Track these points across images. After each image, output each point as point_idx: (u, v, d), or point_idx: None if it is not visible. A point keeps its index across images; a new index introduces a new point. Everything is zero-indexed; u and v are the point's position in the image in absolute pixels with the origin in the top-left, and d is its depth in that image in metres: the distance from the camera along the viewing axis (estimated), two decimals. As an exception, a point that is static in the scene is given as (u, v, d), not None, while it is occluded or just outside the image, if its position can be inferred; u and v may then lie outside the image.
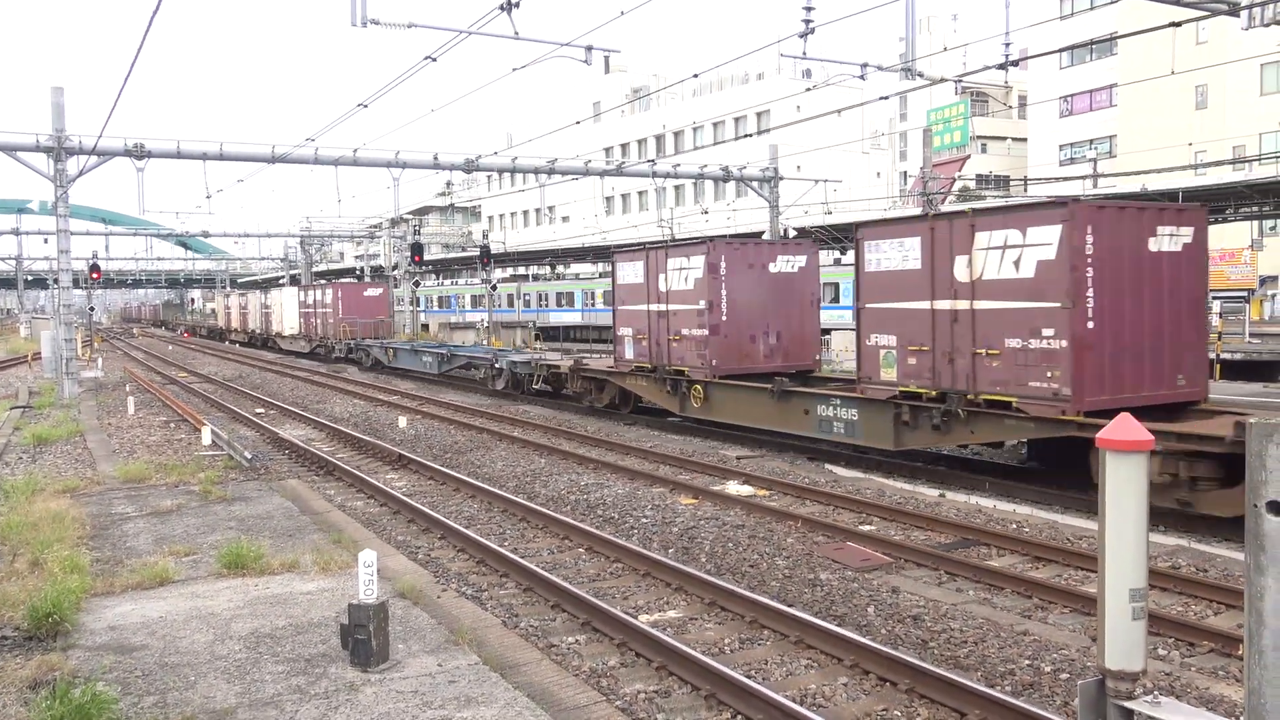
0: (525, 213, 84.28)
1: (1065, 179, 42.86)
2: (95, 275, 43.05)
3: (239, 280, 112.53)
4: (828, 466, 16.67)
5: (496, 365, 29.75)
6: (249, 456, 16.83)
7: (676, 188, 67.46)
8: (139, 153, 27.22)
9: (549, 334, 58.35)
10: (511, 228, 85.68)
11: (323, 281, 56.50)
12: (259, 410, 26.40)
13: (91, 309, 72.29)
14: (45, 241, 63.76)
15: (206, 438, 18.81)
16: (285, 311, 56.13)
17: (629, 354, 22.25)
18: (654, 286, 21.28)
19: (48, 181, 26.87)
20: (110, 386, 32.86)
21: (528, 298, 61.84)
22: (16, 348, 58.95)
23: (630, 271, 22.23)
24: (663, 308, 20.95)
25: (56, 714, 5.60)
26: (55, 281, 33.57)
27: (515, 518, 13.26)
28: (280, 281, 78.77)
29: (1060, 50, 46.30)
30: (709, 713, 6.96)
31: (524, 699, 6.36)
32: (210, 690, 6.53)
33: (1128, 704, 4.01)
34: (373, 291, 49.62)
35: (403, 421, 22.97)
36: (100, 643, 7.46)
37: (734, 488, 14.65)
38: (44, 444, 18.90)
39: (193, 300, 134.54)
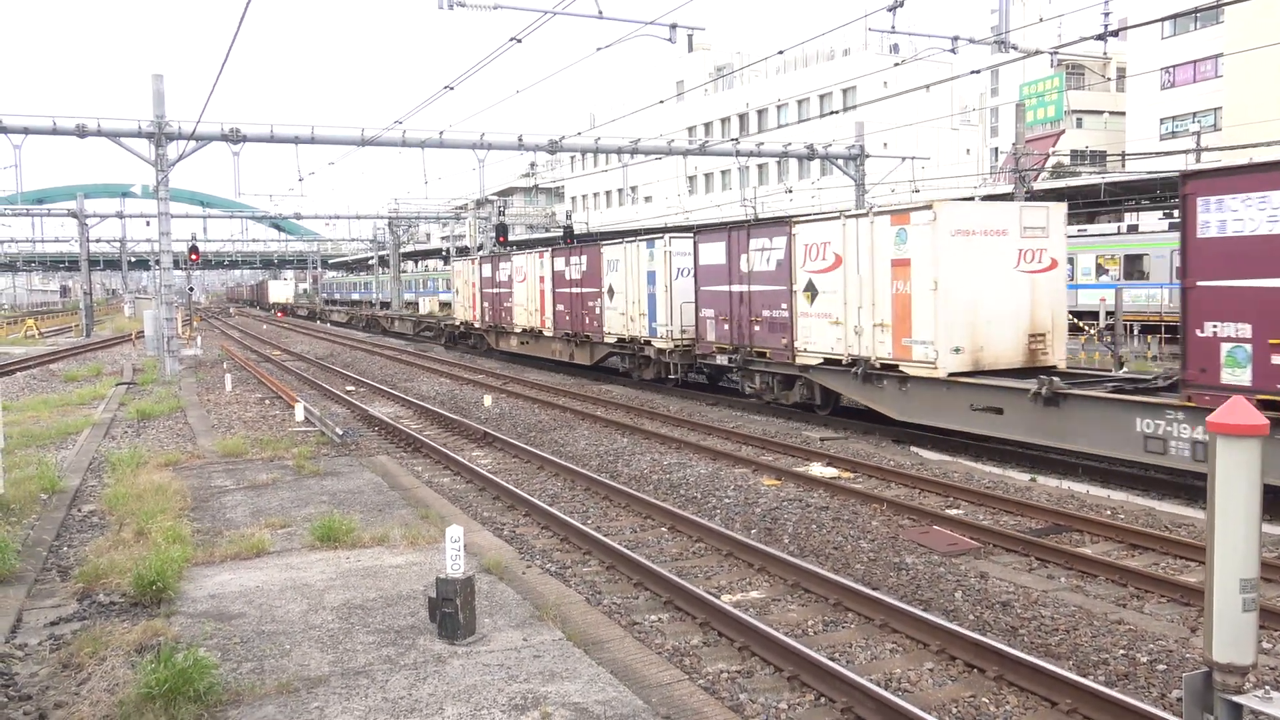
0: (608, 193, 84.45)
1: (1166, 154, 41.23)
2: (194, 257, 44.35)
3: (330, 260, 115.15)
4: (913, 449, 16.40)
5: None
6: (340, 433, 17.26)
7: (760, 166, 66.84)
8: (235, 137, 28.04)
9: None
10: (594, 208, 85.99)
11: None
12: (349, 388, 27.04)
13: (191, 289, 74.84)
14: (147, 224, 66.35)
15: (299, 414, 19.35)
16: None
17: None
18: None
19: (149, 166, 27.87)
20: (209, 364, 34.03)
21: None
22: (121, 327, 61.52)
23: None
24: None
25: (161, 677, 5.82)
26: (157, 263, 34.83)
27: (598, 496, 13.35)
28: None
29: (1162, 19, 44.40)
30: (792, 694, 6.92)
31: (607, 675, 6.41)
32: (304, 658, 6.72)
33: (1237, 698, 3.86)
34: None
35: (488, 400, 23.30)
36: (201, 610, 7.74)
37: (817, 469, 14.51)
38: (147, 419, 19.65)
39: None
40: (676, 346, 23.47)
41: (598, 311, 27.17)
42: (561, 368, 31.08)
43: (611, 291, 26.27)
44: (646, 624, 8.35)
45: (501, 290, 35.41)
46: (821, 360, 18.11)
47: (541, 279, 31.27)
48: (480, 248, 55.79)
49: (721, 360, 21.34)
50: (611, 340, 26.48)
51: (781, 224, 19.20)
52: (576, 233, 50.37)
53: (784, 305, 18.91)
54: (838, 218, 17.61)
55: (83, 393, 24.39)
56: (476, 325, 38.66)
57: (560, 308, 29.82)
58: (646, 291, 24.34)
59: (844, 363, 17.43)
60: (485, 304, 37.28)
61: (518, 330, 33.82)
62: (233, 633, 7.20)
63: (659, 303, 23.76)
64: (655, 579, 9.22)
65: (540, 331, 31.66)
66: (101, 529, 10.68)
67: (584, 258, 28.16)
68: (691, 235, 22.87)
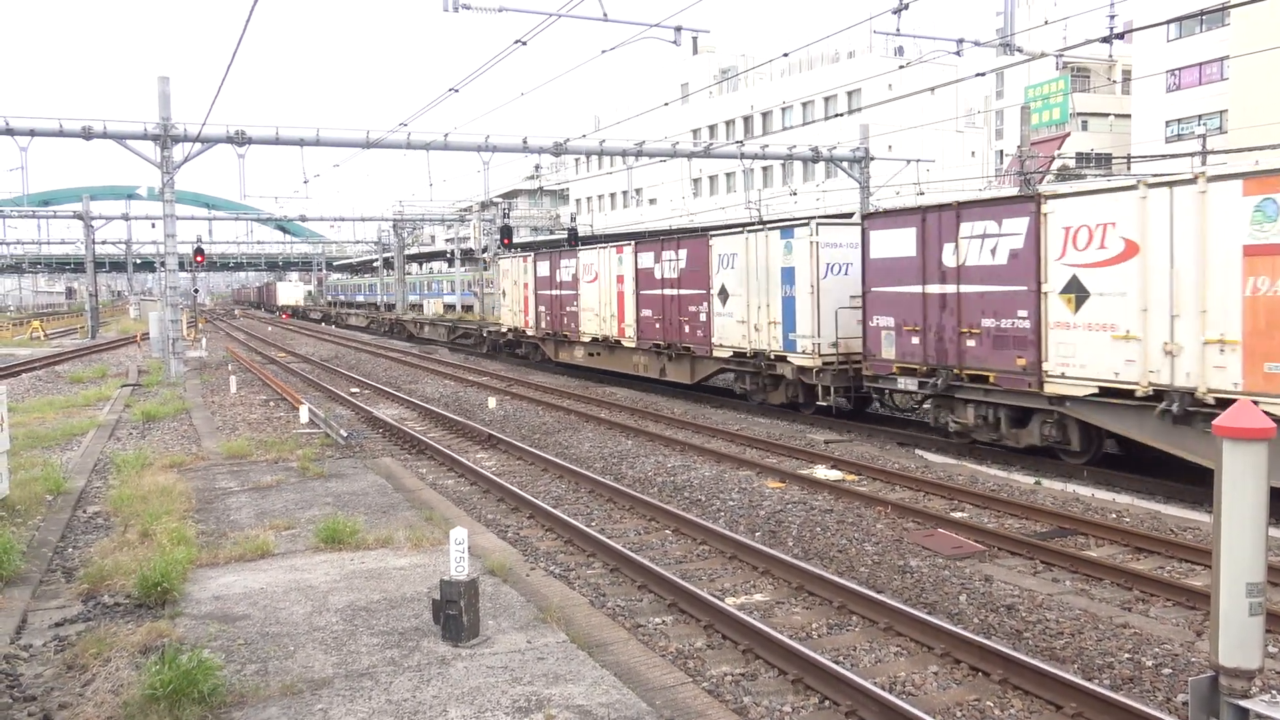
0: (613, 195, 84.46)
1: (1171, 156, 41.14)
2: (199, 259, 44.50)
3: (335, 262, 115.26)
4: (918, 452, 16.37)
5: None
6: (344, 435, 17.27)
7: (765, 169, 66.82)
8: (240, 139, 28.08)
9: None
10: (599, 210, 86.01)
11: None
12: (354, 390, 27.06)
13: (196, 291, 74.92)
14: (153, 226, 66.55)
15: (304, 416, 19.37)
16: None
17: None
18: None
19: (154, 168, 27.91)
20: (213, 366, 34.08)
21: None
22: (126, 328, 61.64)
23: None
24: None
25: (165, 679, 5.83)
26: (162, 264, 34.91)
27: (602, 498, 13.35)
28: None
29: (1168, 22, 44.37)
30: (795, 697, 6.91)
31: (611, 678, 6.40)
32: (309, 660, 6.72)
33: (1243, 703, 3.85)
34: None
35: (492, 402, 23.30)
36: (205, 612, 7.75)
37: (822, 472, 14.49)
38: (152, 420, 19.68)
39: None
40: (826, 365, 18.52)
41: (703, 318, 22.25)
42: (645, 385, 26.30)
43: (725, 294, 21.47)
44: (650, 626, 8.34)
45: (564, 292, 29.81)
46: (1095, 390, 13.23)
47: (620, 278, 26.13)
48: (485, 250, 55.82)
49: (906, 385, 16.51)
50: (724, 354, 21.59)
51: (1022, 201, 14.58)
52: (581, 235, 50.37)
53: (1023, 312, 14.17)
54: (1133, 187, 12.69)
55: (88, 394, 24.43)
56: (530, 333, 33.08)
57: (647, 313, 24.84)
58: (780, 294, 19.54)
59: (1138, 394, 12.62)
60: (541, 308, 31.73)
61: (585, 340, 28.50)
62: (237, 634, 7.21)
63: (800, 308, 18.96)
64: (659, 581, 9.21)
65: (617, 342, 26.46)
66: (106, 530, 10.69)
67: (683, 252, 23.21)
68: (855, 221, 18.54)
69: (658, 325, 24.42)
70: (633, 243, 26.17)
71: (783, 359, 19.82)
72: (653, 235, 26.61)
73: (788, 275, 19.46)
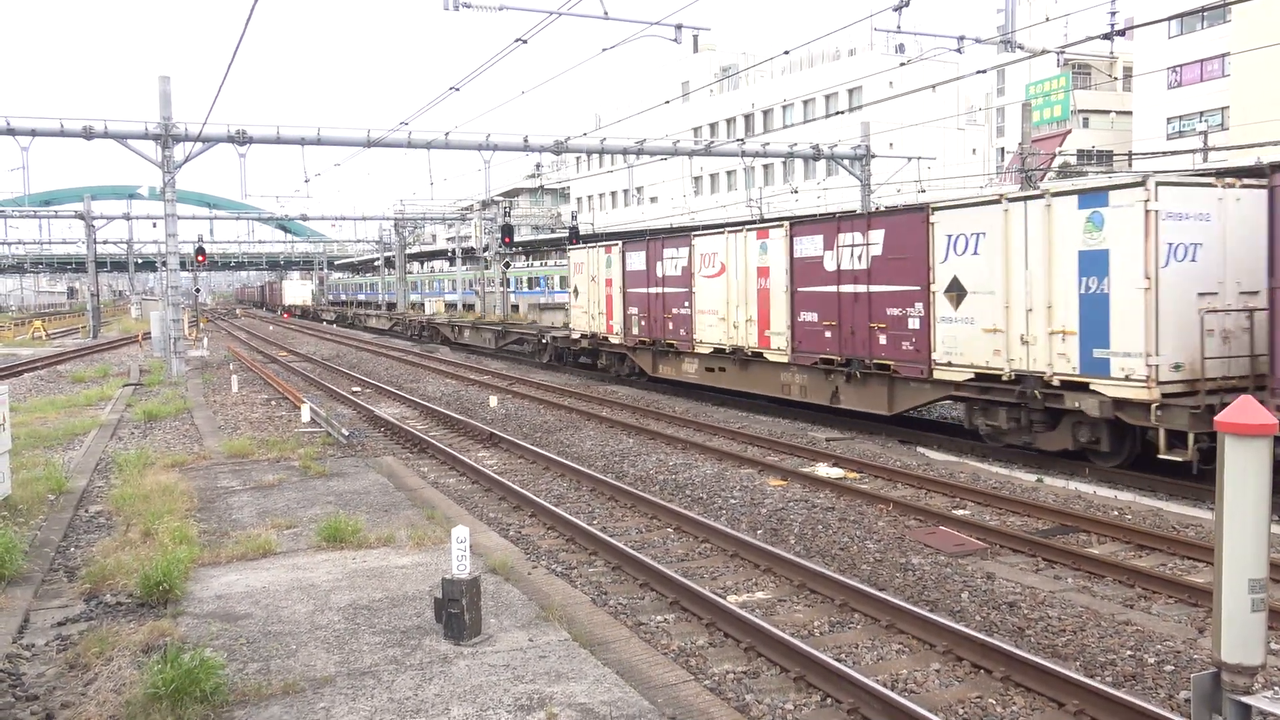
0: (614, 194, 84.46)
1: (1173, 153, 41.08)
2: (200, 259, 44.48)
3: (336, 261, 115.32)
4: (920, 450, 16.36)
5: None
6: (346, 434, 17.27)
7: (766, 167, 66.80)
8: (241, 139, 28.09)
9: None
10: (600, 209, 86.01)
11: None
12: (355, 389, 27.07)
13: (197, 290, 74.88)
14: (154, 225, 66.55)
15: (306, 415, 19.37)
16: None
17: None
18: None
19: (156, 167, 27.93)
20: (215, 365, 34.09)
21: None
22: (128, 328, 61.67)
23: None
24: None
25: (167, 677, 5.83)
26: (163, 264, 34.93)
27: (604, 497, 13.35)
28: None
29: (1169, 18, 44.31)
30: (798, 695, 6.91)
31: (613, 675, 6.40)
32: (311, 659, 6.73)
33: (1246, 699, 3.84)
34: None
35: (493, 401, 23.31)
36: (207, 611, 7.75)
37: (823, 470, 14.49)
38: (154, 420, 19.69)
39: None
40: (1169, 397, 12.46)
41: (915, 325, 16.36)
42: (795, 412, 20.42)
43: (958, 290, 15.40)
44: (652, 624, 8.34)
45: (670, 290, 24.03)
46: None
47: (762, 271, 20.37)
48: (486, 248, 55.78)
49: None
50: (957, 376, 15.57)
51: None
52: (582, 234, 50.31)
53: None
54: None
55: (90, 394, 24.44)
56: (615, 340, 27.08)
57: (809, 317, 19.09)
58: (1076, 289, 13.52)
59: None
60: (633, 310, 25.94)
61: (703, 350, 22.65)
62: (239, 633, 7.21)
63: (1120, 311, 12.90)
64: (661, 579, 9.21)
65: (756, 354, 20.64)
66: (108, 529, 10.70)
67: (877, 234, 17.23)
68: (1206, 181, 13.28)
69: (828, 334, 18.45)
70: (786, 224, 20.05)
71: (1078, 386, 13.61)
72: (821, 216, 20.46)
73: (1092, 262, 13.37)
